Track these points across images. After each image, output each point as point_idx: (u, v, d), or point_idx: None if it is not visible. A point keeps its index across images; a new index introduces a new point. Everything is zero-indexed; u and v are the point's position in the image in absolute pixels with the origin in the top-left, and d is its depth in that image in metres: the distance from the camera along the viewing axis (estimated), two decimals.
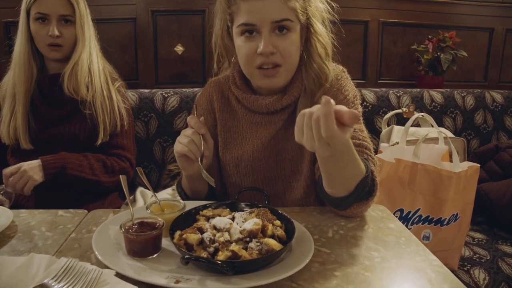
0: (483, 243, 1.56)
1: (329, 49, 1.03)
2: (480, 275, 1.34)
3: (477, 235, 1.63)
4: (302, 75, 1.04)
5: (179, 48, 2.27)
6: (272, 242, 0.71)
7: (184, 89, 1.83)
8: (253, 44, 0.96)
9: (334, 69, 1.08)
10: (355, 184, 0.84)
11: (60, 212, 0.97)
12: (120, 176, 0.82)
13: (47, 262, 0.68)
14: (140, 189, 1.49)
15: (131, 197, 1.47)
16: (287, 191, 1.09)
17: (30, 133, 1.32)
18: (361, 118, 1.06)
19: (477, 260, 1.42)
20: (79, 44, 1.31)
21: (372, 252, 0.80)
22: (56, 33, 1.26)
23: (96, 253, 0.72)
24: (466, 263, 1.40)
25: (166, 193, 1.32)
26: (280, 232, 0.77)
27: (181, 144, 0.92)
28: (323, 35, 1.01)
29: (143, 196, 1.45)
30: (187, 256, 0.64)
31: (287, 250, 0.74)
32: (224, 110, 1.12)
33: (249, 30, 0.96)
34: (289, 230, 0.78)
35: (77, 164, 1.29)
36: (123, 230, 0.72)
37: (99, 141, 1.34)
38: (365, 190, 0.86)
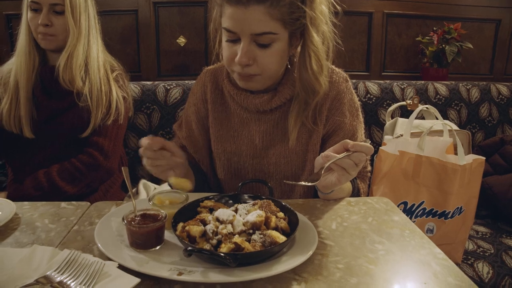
0: (487, 236, 1.55)
1: (323, 62, 0.97)
2: (484, 268, 1.34)
3: (481, 229, 1.62)
4: (294, 77, 1.02)
5: (181, 40, 2.26)
6: (276, 234, 0.71)
7: (186, 81, 1.82)
8: (234, 49, 0.93)
9: (337, 75, 1.07)
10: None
11: (63, 204, 0.96)
12: (123, 168, 0.82)
13: (50, 254, 0.68)
14: (143, 181, 1.48)
15: (134, 190, 1.47)
16: (278, 193, 1.10)
17: (33, 123, 1.32)
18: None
19: (481, 253, 1.42)
20: (72, 35, 1.28)
21: (376, 244, 0.79)
22: (45, 21, 1.24)
23: (99, 245, 0.72)
24: (470, 257, 1.40)
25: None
26: (283, 224, 0.76)
27: (150, 168, 0.91)
28: (319, 47, 0.95)
29: (146, 189, 1.45)
30: (189, 248, 0.64)
31: (290, 242, 0.74)
32: (216, 102, 1.11)
33: (231, 36, 0.93)
34: (293, 222, 0.77)
35: (34, 185, 1.27)
36: (125, 222, 0.72)
37: (84, 134, 1.32)
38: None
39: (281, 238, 0.70)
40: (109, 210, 0.92)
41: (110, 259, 0.68)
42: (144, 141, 0.89)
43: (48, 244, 0.76)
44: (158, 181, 1.56)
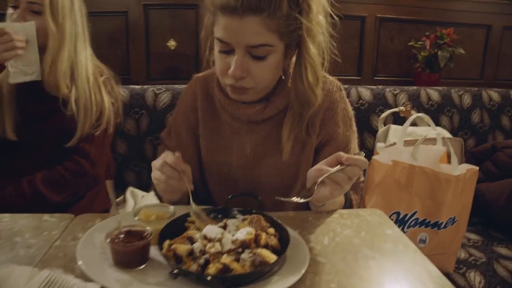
0: (478, 244, 1.55)
1: (319, 73, 0.95)
2: (475, 278, 1.33)
3: (473, 236, 1.61)
4: (288, 87, 0.99)
5: (172, 43, 2.22)
6: (266, 253, 0.68)
7: (176, 85, 1.78)
8: (227, 60, 0.89)
9: (331, 84, 1.05)
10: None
11: (45, 216, 0.92)
12: (106, 182, 0.79)
13: (28, 274, 0.64)
14: (130, 189, 1.45)
15: (121, 198, 1.43)
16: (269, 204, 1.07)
17: (17, 125, 1.27)
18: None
19: (473, 262, 1.41)
20: (52, 38, 1.22)
21: (369, 260, 0.77)
22: (18, 18, 1.18)
23: (80, 263, 0.68)
24: (461, 266, 1.39)
25: None
26: (274, 241, 0.73)
27: (159, 182, 0.87)
28: (315, 59, 0.92)
29: (134, 197, 1.42)
30: (175, 271, 0.61)
31: (281, 261, 0.71)
32: (207, 111, 1.07)
33: (224, 47, 0.88)
34: (284, 239, 0.75)
35: (17, 194, 1.22)
36: (109, 240, 0.69)
37: (69, 144, 1.27)
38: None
39: (272, 258, 0.67)
40: (94, 224, 0.88)
41: (92, 280, 0.65)
42: (170, 158, 0.84)
43: (28, 261, 0.73)
44: (146, 188, 1.53)
